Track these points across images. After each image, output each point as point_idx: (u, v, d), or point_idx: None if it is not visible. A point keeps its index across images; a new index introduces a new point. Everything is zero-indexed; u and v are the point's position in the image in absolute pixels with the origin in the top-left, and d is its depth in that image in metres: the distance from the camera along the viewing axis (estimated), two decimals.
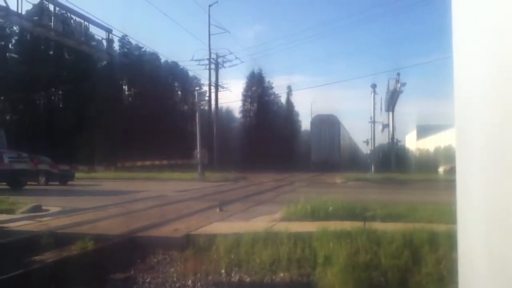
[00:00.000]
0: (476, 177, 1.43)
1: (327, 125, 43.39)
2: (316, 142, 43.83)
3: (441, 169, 29.15)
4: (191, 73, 56.59)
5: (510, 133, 1.25)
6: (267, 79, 67.14)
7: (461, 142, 1.53)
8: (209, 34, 41.51)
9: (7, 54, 48.05)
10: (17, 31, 46.28)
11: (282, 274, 5.66)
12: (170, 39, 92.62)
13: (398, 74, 33.37)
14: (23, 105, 47.13)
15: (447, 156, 30.49)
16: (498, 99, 1.31)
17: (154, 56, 54.61)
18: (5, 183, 19.77)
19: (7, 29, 46.97)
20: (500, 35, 1.30)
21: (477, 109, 1.42)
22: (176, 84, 62.34)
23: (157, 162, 33.45)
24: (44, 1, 16.82)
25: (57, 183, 22.80)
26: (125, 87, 56.93)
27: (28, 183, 21.03)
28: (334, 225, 6.61)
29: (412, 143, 71.51)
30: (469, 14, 1.45)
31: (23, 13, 15.65)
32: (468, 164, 1.48)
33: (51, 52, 48.57)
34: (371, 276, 5.21)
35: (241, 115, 66.82)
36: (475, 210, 1.44)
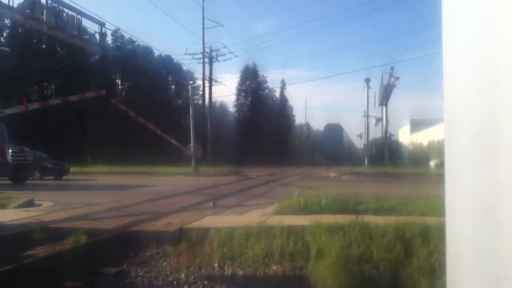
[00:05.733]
0: (464, 171, 1.43)
1: (335, 131, 61.24)
2: (327, 142, 61.21)
3: (433, 163, 29.32)
4: (185, 67, 55.84)
5: (497, 127, 1.26)
6: (261, 73, 66.76)
7: (449, 136, 1.54)
8: (203, 28, 41.24)
9: None
10: (8, 24, 45.66)
11: (275, 267, 5.69)
12: (163, 33, 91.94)
13: (392, 68, 33.40)
14: (15, 99, 46.67)
15: (440, 150, 30.54)
16: (486, 94, 1.31)
17: (148, 50, 54.00)
18: (6, 178, 19.18)
19: None
20: (488, 31, 1.30)
21: (465, 104, 1.42)
22: (169, 78, 61.77)
23: (151, 157, 33.34)
24: None
25: (52, 177, 22.68)
26: (119, 81, 56.50)
27: None
28: (327, 219, 6.63)
29: (405, 137, 71.85)
30: (458, 10, 1.45)
31: (15, 6, 15.48)
32: (456, 158, 1.49)
33: (44, 46, 48.01)
34: (363, 269, 5.24)
35: (235, 109, 66.36)
36: (463, 203, 1.45)
